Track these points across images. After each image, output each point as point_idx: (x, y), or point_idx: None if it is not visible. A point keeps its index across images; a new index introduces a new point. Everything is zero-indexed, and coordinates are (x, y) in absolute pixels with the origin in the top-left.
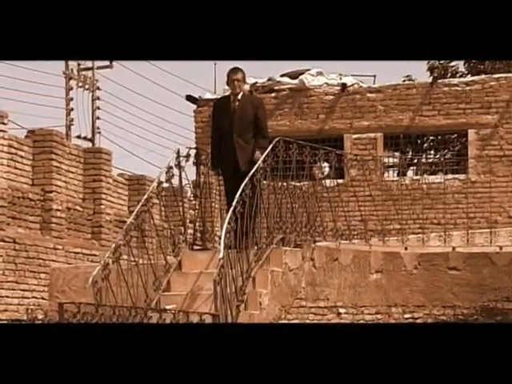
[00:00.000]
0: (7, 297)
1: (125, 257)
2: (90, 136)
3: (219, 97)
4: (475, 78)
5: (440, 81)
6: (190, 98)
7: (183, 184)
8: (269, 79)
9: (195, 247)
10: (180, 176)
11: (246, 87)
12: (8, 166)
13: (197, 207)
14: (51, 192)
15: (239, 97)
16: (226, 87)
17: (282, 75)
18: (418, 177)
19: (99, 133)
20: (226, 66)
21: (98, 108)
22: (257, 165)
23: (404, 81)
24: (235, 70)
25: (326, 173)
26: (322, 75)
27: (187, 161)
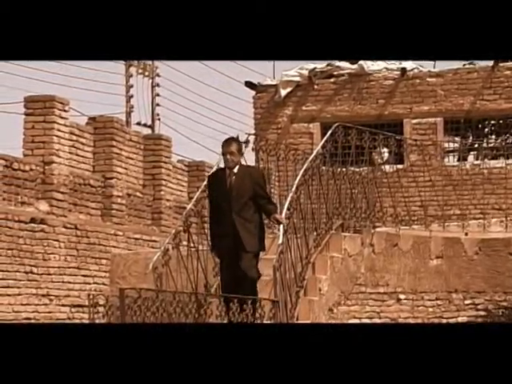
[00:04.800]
0: (69, 282)
1: (184, 243)
2: (149, 123)
3: (213, 170)
4: None
5: (501, 64)
6: (249, 84)
7: None
8: (328, 64)
9: None
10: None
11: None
12: (70, 152)
13: None
14: (112, 178)
15: (235, 170)
16: (284, 72)
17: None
18: (478, 162)
19: (159, 119)
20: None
21: (158, 95)
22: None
23: (465, 65)
24: (228, 141)
25: (385, 158)
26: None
27: (246, 147)
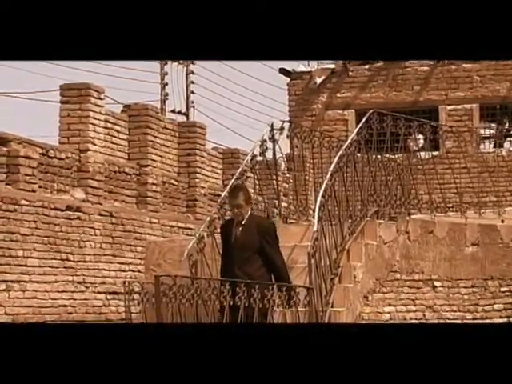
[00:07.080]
0: (105, 270)
1: (219, 230)
2: (184, 110)
3: (226, 219)
4: None
5: None
6: (283, 71)
7: (277, 157)
8: None
9: (289, 220)
10: (274, 149)
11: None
12: (105, 140)
13: (291, 180)
14: (147, 166)
15: (244, 221)
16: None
17: None
18: None
19: (193, 107)
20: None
21: (193, 82)
22: None
23: None
24: (235, 193)
25: (420, 145)
26: None
27: (281, 134)
